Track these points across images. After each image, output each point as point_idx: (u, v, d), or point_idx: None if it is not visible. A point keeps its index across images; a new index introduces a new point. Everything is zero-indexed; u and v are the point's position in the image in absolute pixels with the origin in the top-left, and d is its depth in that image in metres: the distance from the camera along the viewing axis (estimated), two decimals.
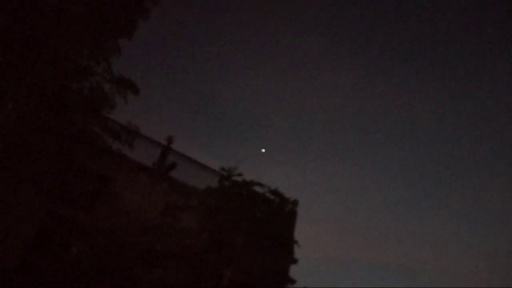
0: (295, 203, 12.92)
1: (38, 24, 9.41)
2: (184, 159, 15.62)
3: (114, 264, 11.50)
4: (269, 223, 12.61)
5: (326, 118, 48.56)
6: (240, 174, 13.00)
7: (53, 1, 9.78)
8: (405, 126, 48.91)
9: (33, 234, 13.17)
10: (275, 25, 46.21)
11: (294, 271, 16.18)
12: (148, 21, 11.43)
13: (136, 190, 14.90)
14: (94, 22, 10.43)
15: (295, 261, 15.22)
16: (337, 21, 46.39)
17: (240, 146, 45.39)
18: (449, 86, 48.49)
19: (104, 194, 14.65)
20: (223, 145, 45.82)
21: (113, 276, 11.35)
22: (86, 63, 11.82)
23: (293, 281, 15.07)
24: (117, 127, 14.07)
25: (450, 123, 48.95)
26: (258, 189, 12.98)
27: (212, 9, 42.92)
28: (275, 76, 46.18)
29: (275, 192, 12.84)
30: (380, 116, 47.71)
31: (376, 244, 47.44)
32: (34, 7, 9.47)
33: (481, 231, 50.59)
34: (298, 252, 15.88)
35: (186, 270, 11.88)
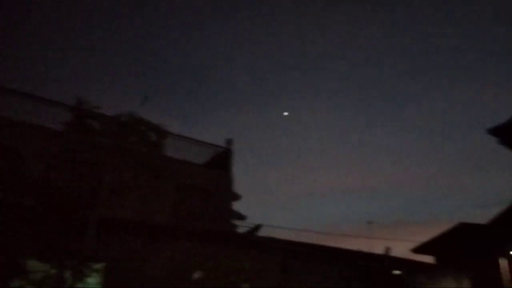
0: (161, 133, 11.13)
1: None
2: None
3: None
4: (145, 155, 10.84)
5: None
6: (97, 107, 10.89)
7: None
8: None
9: None
10: None
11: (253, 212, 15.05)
12: None
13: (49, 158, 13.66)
14: None
15: (236, 197, 14.85)
16: None
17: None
18: None
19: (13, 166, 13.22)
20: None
21: None
22: None
23: (242, 217, 14.62)
24: None
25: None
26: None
27: None
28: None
29: (139, 121, 10.76)
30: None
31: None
32: None
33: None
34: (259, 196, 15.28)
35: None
